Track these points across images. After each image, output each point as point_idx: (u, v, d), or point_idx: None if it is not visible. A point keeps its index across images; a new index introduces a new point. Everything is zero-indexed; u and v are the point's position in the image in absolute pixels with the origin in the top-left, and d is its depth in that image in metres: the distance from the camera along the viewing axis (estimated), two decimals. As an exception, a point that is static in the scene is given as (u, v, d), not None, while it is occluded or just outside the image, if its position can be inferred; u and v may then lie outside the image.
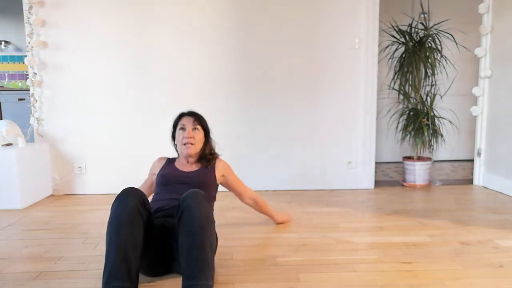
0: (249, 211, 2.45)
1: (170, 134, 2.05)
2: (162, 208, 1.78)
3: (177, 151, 2.04)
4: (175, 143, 2.02)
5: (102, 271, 1.38)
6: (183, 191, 1.70)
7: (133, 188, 1.53)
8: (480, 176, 3.39)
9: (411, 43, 3.38)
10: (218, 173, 2.03)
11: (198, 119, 1.98)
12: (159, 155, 2.17)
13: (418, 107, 3.42)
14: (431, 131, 3.35)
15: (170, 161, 2.04)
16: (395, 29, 3.45)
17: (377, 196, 3.05)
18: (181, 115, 2.00)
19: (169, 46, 3.12)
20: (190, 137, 1.91)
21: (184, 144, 1.92)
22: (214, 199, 2.02)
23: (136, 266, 1.40)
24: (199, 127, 1.96)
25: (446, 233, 2.16)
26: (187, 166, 1.99)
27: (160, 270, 1.65)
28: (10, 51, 5.14)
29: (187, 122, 1.95)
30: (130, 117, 3.17)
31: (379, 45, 3.21)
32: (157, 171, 2.01)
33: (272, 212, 2.32)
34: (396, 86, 3.49)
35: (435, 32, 3.36)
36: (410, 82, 3.42)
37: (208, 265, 1.39)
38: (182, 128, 1.94)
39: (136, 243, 1.42)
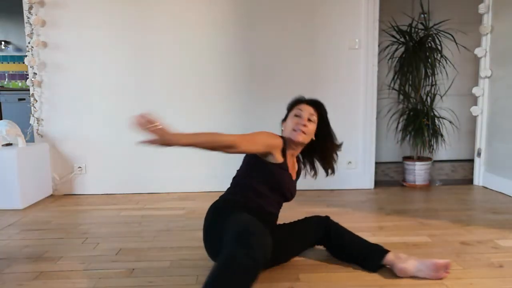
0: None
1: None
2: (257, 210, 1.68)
3: (282, 137, 1.75)
4: (283, 128, 1.84)
5: None
6: (279, 206, 1.81)
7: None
8: (480, 176, 3.39)
9: (411, 43, 3.38)
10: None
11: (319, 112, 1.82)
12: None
13: (418, 107, 3.42)
14: (431, 131, 3.35)
15: (283, 153, 1.74)
16: (395, 29, 3.45)
17: (377, 196, 3.05)
18: (300, 101, 1.83)
19: (170, 46, 3.12)
20: (305, 125, 1.73)
21: (294, 130, 1.73)
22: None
23: None
24: (315, 119, 1.80)
25: (446, 233, 2.16)
26: (293, 168, 1.84)
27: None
28: (10, 51, 5.14)
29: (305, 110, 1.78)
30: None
31: (379, 45, 3.21)
32: (272, 158, 1.69)
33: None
34: (396, 86, 3.49)
35: (435, 32, 3.36)
36: (410, 82, 3.42)
37: None
38: (297, 115, 1.77)
39: None
